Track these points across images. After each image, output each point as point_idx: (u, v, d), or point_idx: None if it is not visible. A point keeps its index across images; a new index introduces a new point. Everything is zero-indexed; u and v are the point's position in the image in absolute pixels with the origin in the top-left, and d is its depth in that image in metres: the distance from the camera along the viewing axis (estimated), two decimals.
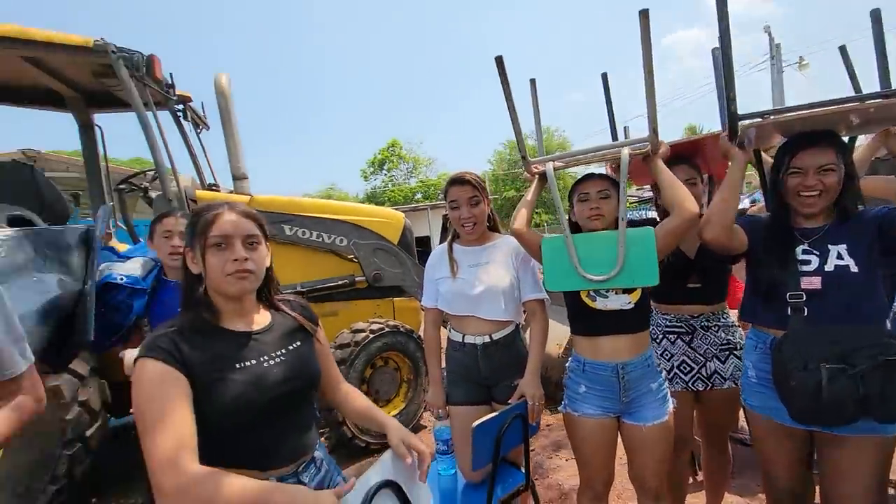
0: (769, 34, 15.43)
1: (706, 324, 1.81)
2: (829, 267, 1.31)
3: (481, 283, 1.77)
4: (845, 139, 1.74)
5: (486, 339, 1.79)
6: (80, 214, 4.42)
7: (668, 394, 1.58)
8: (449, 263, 1.85)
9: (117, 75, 2.71)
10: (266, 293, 1.15)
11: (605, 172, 1.73)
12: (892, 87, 1.42)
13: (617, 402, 1.55)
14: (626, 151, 1.50)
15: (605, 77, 2.01)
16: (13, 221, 2.53)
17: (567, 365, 1.69)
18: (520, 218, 1.68)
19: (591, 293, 1.56)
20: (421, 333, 2.06)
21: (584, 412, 1.57)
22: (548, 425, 3.31)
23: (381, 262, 3.62)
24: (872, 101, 1.34)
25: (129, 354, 1.87)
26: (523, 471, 1.78)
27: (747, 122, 1.39)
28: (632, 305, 1.52)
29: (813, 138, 1.35)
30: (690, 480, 2.28)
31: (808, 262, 1.34)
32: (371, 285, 3.59)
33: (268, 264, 1.10)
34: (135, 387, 0.89)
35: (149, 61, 2.82)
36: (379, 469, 1.04)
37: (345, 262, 3.60)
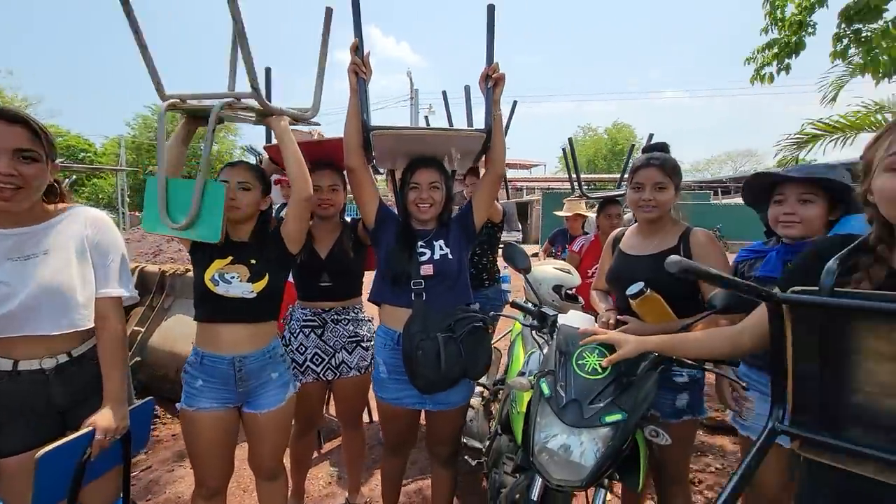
0: (410, 79, 19.37)
1: (336, 317, 1.95)
2: (436, 256, 1.65)
3: (35, 287, 1.21)
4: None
5: (64, 358, 1.29)
6: None
7: (290, 379, 1.66)
8: None
9: None
10: None
11: None
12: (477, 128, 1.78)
13: (233, 393, 1.53)
14: (224, 101, 1.49)
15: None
16: None
17: (187, 359, 1.56)
18: (162, 162, 1.45)
19: (215, 277, 1.49)
20: None
21: (200, 406, 1.49)
22: (173, 435, 2.93)
23: None
24: (454, 131, 1.70)
25: None
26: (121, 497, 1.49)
27: (378, 132, 1.58)
28: (254, 295, 1.52)
29: (425, 161, 1.69)
30: (315, 455, 2.52)
31: (424, 255, 1.65)
32: None
33: None
34: None
35: None
36: None
37: None
